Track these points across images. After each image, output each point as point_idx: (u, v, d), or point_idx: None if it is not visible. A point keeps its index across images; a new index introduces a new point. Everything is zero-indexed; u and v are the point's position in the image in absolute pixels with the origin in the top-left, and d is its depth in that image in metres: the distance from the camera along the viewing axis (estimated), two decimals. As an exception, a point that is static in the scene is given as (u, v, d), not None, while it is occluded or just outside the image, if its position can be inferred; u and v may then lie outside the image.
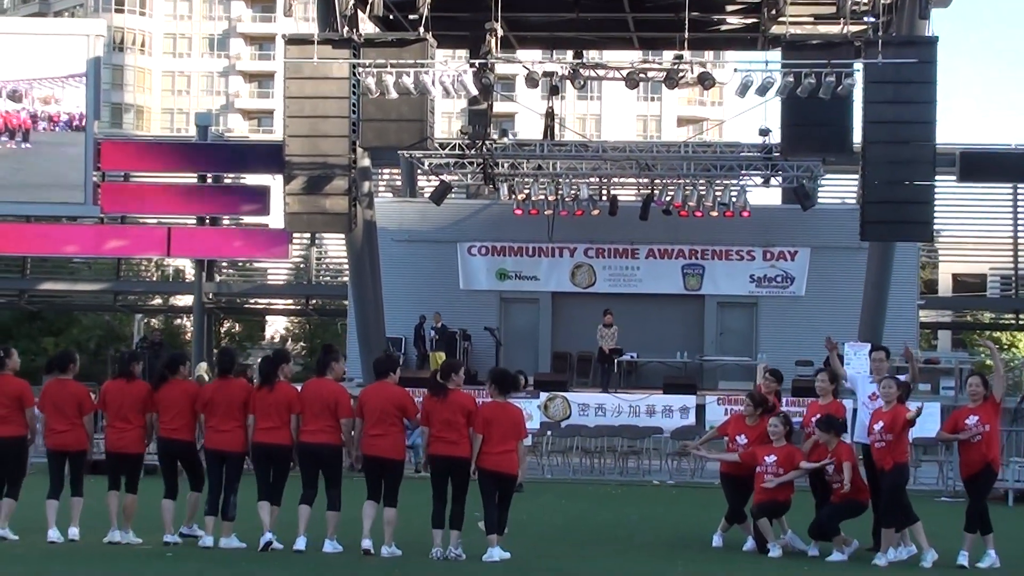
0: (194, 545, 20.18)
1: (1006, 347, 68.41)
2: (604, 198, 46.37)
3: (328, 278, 58.42)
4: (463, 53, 47.69)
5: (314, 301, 60.40)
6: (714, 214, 44.86)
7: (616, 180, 47.73)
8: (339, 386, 20.63)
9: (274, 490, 20.18)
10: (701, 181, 45.46)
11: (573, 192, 45.61)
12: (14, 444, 20.69)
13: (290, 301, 63.22)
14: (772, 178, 47.52)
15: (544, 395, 40.15)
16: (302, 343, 73.67)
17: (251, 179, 52.32)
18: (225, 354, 23.42)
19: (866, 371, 22.59)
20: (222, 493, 20.24)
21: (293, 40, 43.47)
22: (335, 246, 54.66)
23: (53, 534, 20.32)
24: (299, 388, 20.67)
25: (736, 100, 44.59)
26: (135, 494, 20.64)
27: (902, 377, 21.45)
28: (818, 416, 21.09)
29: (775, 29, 42.84)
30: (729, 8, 50.26)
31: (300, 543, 19.72)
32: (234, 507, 20.19)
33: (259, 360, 24.41)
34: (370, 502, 19.77)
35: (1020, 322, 60.13)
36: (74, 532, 20.46)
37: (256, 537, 19.79)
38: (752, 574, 19.79)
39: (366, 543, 19.58)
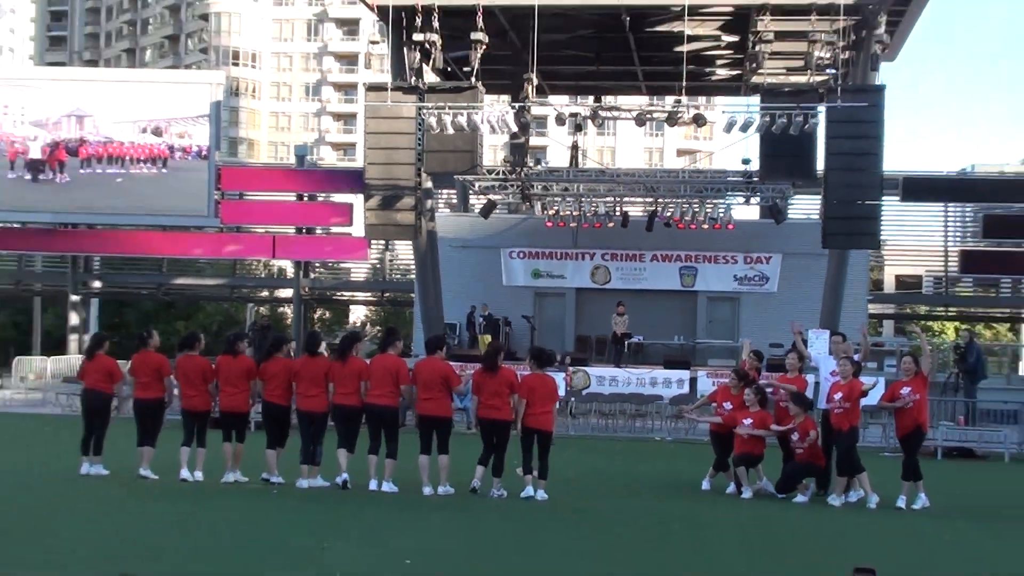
0: (277, 486, 20.42)
1: (937, 334, 68.14)
2: (617, 213, 46.28)
3: (398, 276, 58.36)
4: (506, 98, 47.68)
5: (387, 294, 60.46)
6: (705, 227, 44.74)
7: (627, 199, 47.59)
8: (399, 359, 21.12)
9: (348, 441, 20.60)
10: (695, 200, 45.34)
11: (593, 208, 45.70)
12: (155, 405, 21.71)
13: (368, 294, 63.25)
14: (752, 198, 47.38)
15: (569, 369, 40.24)
16: (378, 327, 73.74)
17: (338, 197, 52.25)
18: (311, 336, 23.60)
19: (827, 353, 22.71)
20: (311, 445, 20.63)
21: (372, 88, 43.61)
22: (404, 250, 54.67)
23: (184, 473, 20.95)
24: (368, 362, 21.16)
25: (723, 135, 44.75)
26: (243, 443, 21.21)
27: (856, 356, 21.70)
28: (795, 392, 21.49)
29: (755, 79, 42.72)
30: (718, 62, 50.37)
31: (372, 484, 20.16)
32: (320, 455, 20.65)
33: (339, 338, 24.65)
34: (424, 456, 20.05)
35: (948, 314, 60.11)
36: (199, 475, 21.00)
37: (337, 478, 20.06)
38: (731, 511, 19.90)
39: (427, 490, 19.84)
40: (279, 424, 21.15)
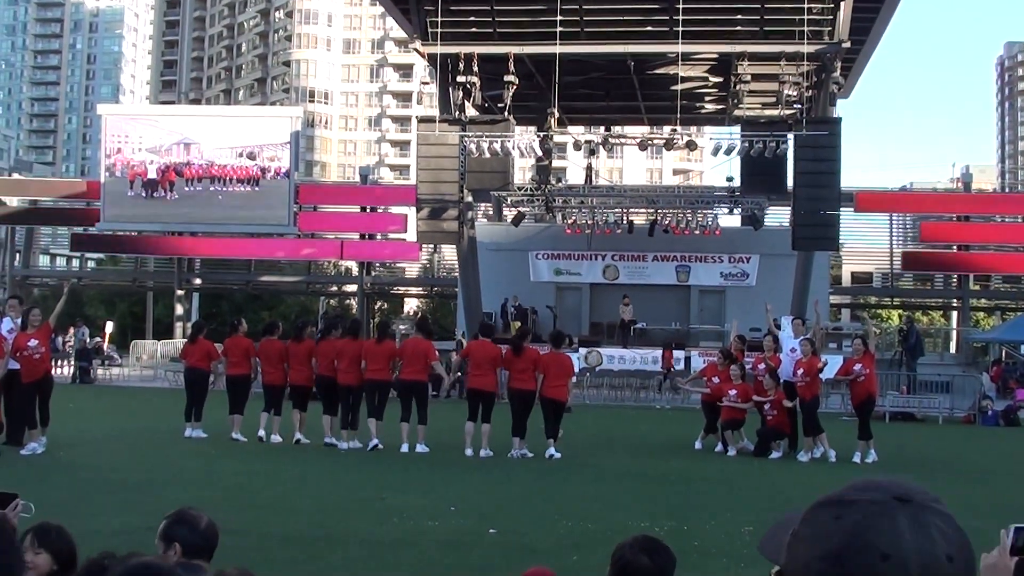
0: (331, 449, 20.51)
1: (884, 320, 68.10)
2: (624, 222, 46.30)
3: (445, 273, 58.37)
4: (533, 128, 47.61)
5: (436, 288, 60.58)
6: (697, 232, 44.66)
7: (632, 210, 47.61)
8: (428, 342, 21.38)
9: (379, 411, 20.82)
10: (688, 211, 45.29)
11: (604, 218, 45.66)
12: (242, 380, 22.19)
13: (420, 288, 63.41)
14: (734, 209, 47.41)
15: (584, 350, 40.22)
16: (428, 316, 73.84)
17: (395, 209, 52.39)
18: (383, 325, 23.92)
19: (790, 334, 22.78)
20: (349, 413, 21.10)
21: (423, 120, 43.88)
22: (449, 253, 54.66)
23: (261, 432, 21.40)
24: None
25: (711, 158, 44.59)
26: (305, 412, 21.51)
27: (808, 333, 22.00)
28: (770, 369, 21.74)
29: (736, 112, 42.62)
30: (706, 98, 50.26)
31: (404, 447, 20.21)
32: (358, 421, 20.90)
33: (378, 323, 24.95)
34: (470, 423, 20.15)
35: (893, 303, 60.26)
36: (276, 438, 21.43)
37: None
38: (720, 466, 19.95)
39: (468, 451, 19.92)
40: (333, 396, 21.44)
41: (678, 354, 40.12)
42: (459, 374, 25.93)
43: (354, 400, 21.01)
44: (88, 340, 44.74)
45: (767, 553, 2.03)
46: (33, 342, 19.06)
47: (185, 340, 28.14)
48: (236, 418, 21.73)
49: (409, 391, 20.81)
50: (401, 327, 24.72)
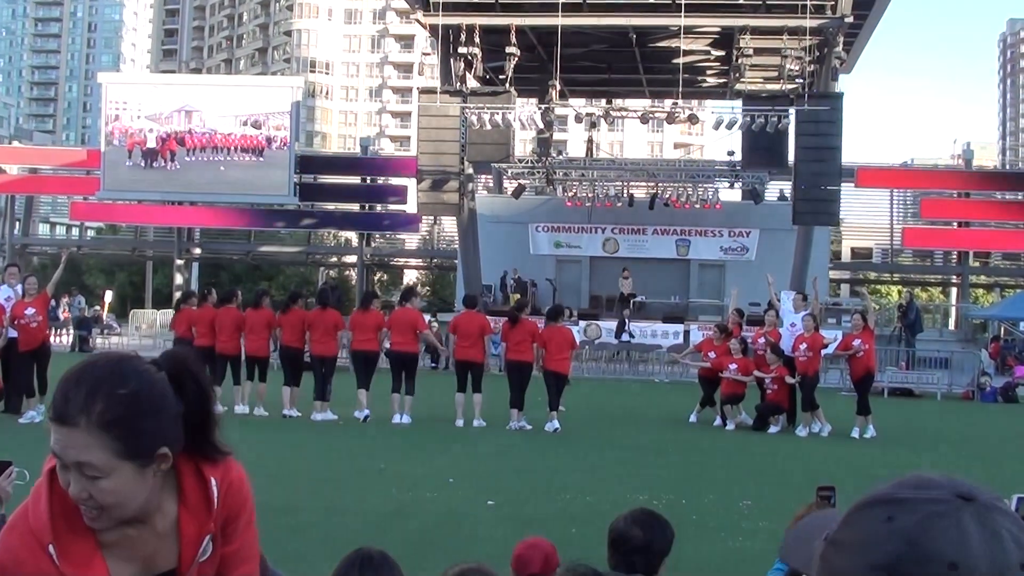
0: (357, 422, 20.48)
1: (884, 295, 68.26)
2: (625, 195, 46.32)
3: (444, 245, 58.32)
4: (534, 100, 47.53)
5: (435, 260, 60.59)
6: (697, 206, 44.71)
7: (632, 184, 47.61)
8: (417, 312, 21.39)
9: (367, 381, 20.73)
10: (688, 185, 45.30)
11: (604, 191, 45.68)
12: (210, 352, 21.12)
13: (420, 260, 63.42)
14: (735, 183, 47.39)
15: (583, 323, 40.21)
16: (427, 288, 73.84)
17: (395, 181, 52.36)
18: (368, 295, 23.63)
19: (791, 308, 22.77)
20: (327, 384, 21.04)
21: (424, 91, 43.76)
22: (449, 224, 54.58)
23: (288, 412, 20.92)
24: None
25: (712, 132, 44.57)
26: (264, 382, 21.47)
27: (808, 308, 21.99)
28: (772, 344, 21.80)
29: (738, 86, 42.66)
30: (708, 72, 50.21)
31: (396, 418, 20.22)
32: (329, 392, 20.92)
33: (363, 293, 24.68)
34: (460, 394, 20.16)
35: (893, 279, 60.39)
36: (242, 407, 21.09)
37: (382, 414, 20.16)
38: (718, 439, 19.99)
39: (459, 422, 19.94)
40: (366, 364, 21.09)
41: (677, 328, 40.14)
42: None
43: (327, 371, 20.88)
44: (86, 309, 44.75)
45: (793, 562, 1.81)
46: (30, 310, 19.05)
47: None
48: (247, 386, 21.49)
49: (399, 362, 20.69)
50: (418, 298, 24.42)
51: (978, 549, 1.46)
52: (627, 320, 38.95)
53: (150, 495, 2.67)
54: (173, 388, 2.67)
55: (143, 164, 50.12)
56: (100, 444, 2.53)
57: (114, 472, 2.56)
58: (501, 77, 41.87)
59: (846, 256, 58.80)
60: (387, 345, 21.21)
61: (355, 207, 54.07)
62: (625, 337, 38.97)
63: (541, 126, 43.89)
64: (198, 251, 58.06)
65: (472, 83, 43.15)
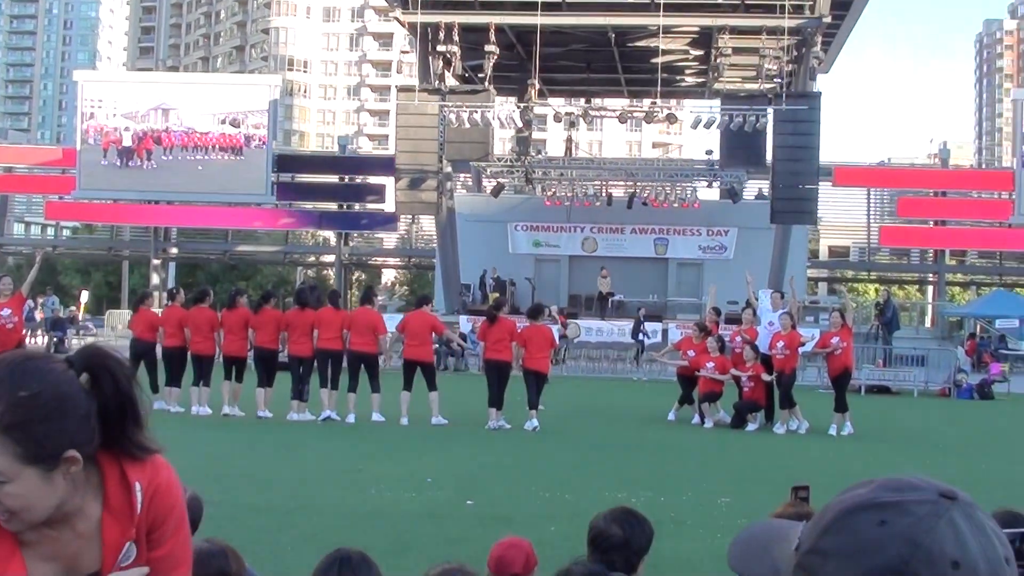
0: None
1: (861, 294, 68.57)
2: (603, 194, 46.43)
3: (423, 244, 58.32)
4: (513, 99, 47.60)
5: (414, 259, 60.56)
6: (675, 205, 44.86)
7: (611, 183, 47.68)
8: (377, 313, 21.29)
9: (333, 381, 20.64)
10: (667, 184, 45.42)
11: (583, 190, 45.80)
12: (178, 352, 21.26)
13: (398, 259, 63.38)
14: (713, 182, 47.58)
15: (562, 319, 40.26)
16: (405, 287, 73.83)
17: (373, 179, 52.33)
18: (333, 294, 23.45)
19: (768, 307, 22.81)
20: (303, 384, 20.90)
21: (403, 89, 43.84)
22: (428, 224, 54.58)
23: (262, 413, 20.71)
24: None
25: (690, 131, 44.75)
26: (240, 383, 21.20)
27: (785, 306, 21.97)
28: (748, 342, 21.83)
29: (716, 85, 42.85)
30: (686, 71, 50.42)
31: (351, 417, 20.16)
32: (308, 392, 20.89)
33: (330, 292, 24.43)
34: (405, 392, 20.06)
35: (870, 277, 60.57)
36: (205, 409, 20.95)
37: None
38: (696, 437, 20.01)
39: (404, 420, 19.79)
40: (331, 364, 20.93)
41: (655, 326, 40.21)
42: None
43: (304, 371, 20.78)
44: (60, 309, 44.59)
45: (748, 571, 1.77)
46: (6, 311, 18.90)
47: (162, 309, 27.77)
48: (172, 390, 21.14)
49: (358, 361, 20.64)
50: (379, 298, 24.35)
51: (974, 547, 1.49)
52: (643, 320, 38.93)
53: (66, 497, 2.57)
54: (90, 385, 2.56)
55: (119, 163, 49.99)
56: (1, 449, 2.45)
57: (19, 477, 2.47)
58: (480, 76, 41.96)
59: (824, 255, 59.06)
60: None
61: (333, 206, 54.05)
62: (641, 337, 38.92)
63: (520, 125, 43.94)
64: (175, 251, 57.90)
65: (451, 81, 43.20)
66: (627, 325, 40.76)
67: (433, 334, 20.99)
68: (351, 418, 20.05)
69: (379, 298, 23.00)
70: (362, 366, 20.60)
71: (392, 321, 24.56)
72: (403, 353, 20.72)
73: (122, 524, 2.70)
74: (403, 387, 20.24)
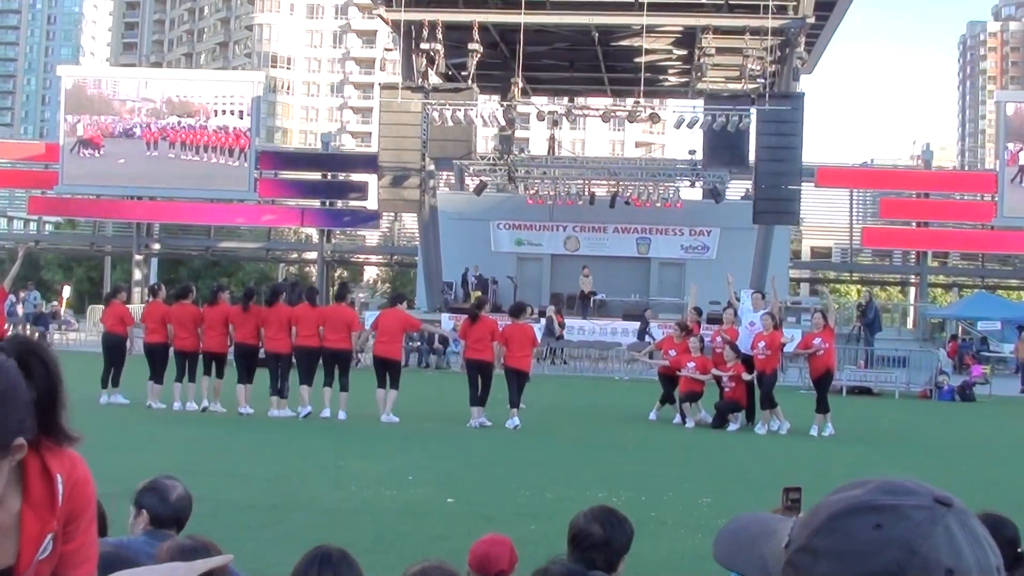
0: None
1: (843, 295, 68.74)
2: (586, 193, 46.42)
3: (405, 242, 58.20)
4: (496, 97, 47.61)
5: (396, 257, 60.44)
6: (658, 205, 44.85)
7: (594, 182, 47.67)
8: (352, 310, 21.45)
9: (309, 376, 20.70)
10: (649, 183, 45.43)
11: (566, 189, 45.75)
12: (160, 347, 21.38)
13: (381, 257, 63.31)
14: (696, 182, 47.63)
15: (544, 320, 40.21)
16: (387, 284, 73.77)
17: (356, 177, 52.25)
18: (311, 290, 23.44)
19: (750, 307, 22.84)
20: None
21: (386, 87, 43.66)
22: (410, 221, 54.52)
23: (242, 410, 20.56)
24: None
25: (673, 131, 44.79)
26: (221, 379, 21.20)
27: (767, 307, 22.03)
28: (729, 342, 21.85)
29: (700, 85, 42.86)
30: (670, 71, 50.46)
31: (325, 411, 20.23)
32: (287, 389, 20.92)
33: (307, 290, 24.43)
34: (380, 390, 20.09)
35: (852, 279, 60.67)
36: (192, 405, 21.06)
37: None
38: (677, 437, 20.02)
39: (384, 418, 19.85)
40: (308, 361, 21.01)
41: (637, 326, 40.23)
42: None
43: (282, 368, 20.81)
44: (44, 304, 44.40)
45: (735, 566, 1.74)
46: (-12, 305, 18.90)
47: (144, 305, 27.66)
48: (154, 386, 21.19)
49: (332, 358, 20.67)
50: (360, 295, 24.46)
51: (969, 554, 1.48)
52: (648, 322, 38.88)
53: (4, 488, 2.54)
54: (23, 374, 2.54)
55: (99, 156, 49.78)
56: None
57: None
58: (463, 74, 41.90)
59: (806, 255, 59.17)
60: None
61: (316, 203, 53.93)
62: (647, 339, 38.85)
63: (503, 123, 43.92)
64: (157, 246, 57.72)
65: (434, 79, 43.17)
66: (608, 324, 40.78)
67: (414, 332, 21.09)
68: (326, 412, 20.12)
69: (352, 295, 22.95)
70: (336, 362, 20.67)
71: (372, 319, 24.61)
72: (373, 350, 20.75)
73: (42, 517, 2.67)
74: (377, 385, 20.33)
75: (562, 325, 38.87)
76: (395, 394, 20.14)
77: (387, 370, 20.38)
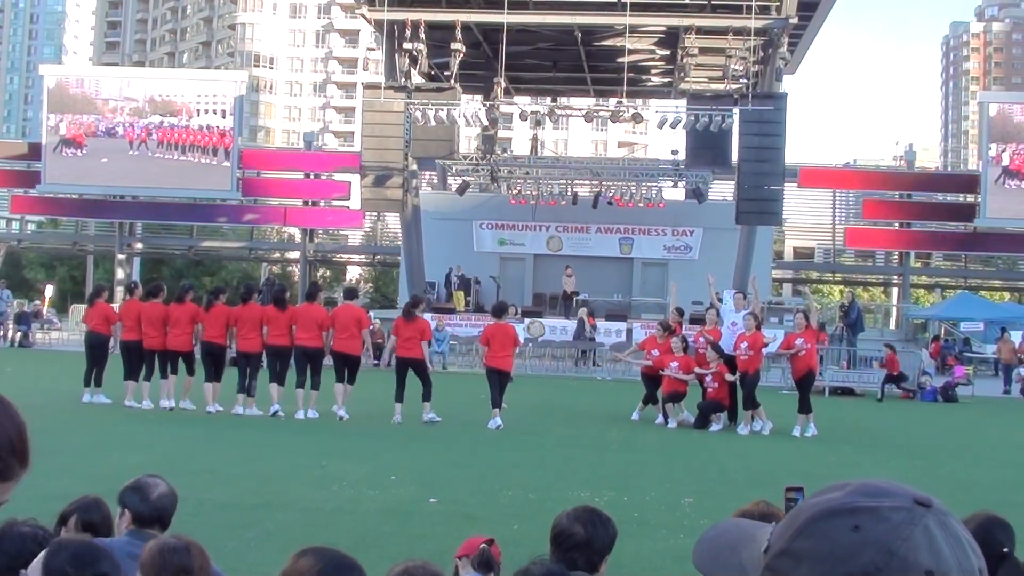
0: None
1: (826, 295, 68.88)
2: (569, 193, 46.43)
3: (388, 242, 58.16)
4: (479, 97, 47.57)
5: (378, 257, 60.39)
6: (640, 205, 44.88)
7: (576, 182, 47.72)
8: (323, 309, 21.34)
9: (280, 376, 20.81)
10: (632, 183, 45.50)
11: (548, 189, 45.76)
12: (135, 346, 21.25)
13: (363, 256, 63.25)
14: (679, 182, 47.73)
15: (527, 320, 40.23)
16: (370, 284, 73.69)
17: (338, 176, 52.15)
18: (280, 290, 23.40)
19: (732, 307, 22.87)
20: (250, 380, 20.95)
21: (368, 87, 43.59)
22: (393, 221, 54.44)
23: (211, 408, 20.49)
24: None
25: (656, 131, 44.85)
26: (192, 376, 21.33)
27: (748, 307, 22.04)
28: (712, 342, 21.91)
29: (683, 85, 42.93)
30: (653, 71, 50.52)
31: (300, 413, 20.30)
32: (255, 387, 21.03)
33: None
34: (339, 384, 20.13)
35: (835, 279, 60.80)
36: (165, 402, 21.00)
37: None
38: (660, 437, 20.04)
39: (340, 411, 20.02)
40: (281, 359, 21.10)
41: (620, 326, 40.24)
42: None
43: (251, 367, 20.83)
44: (25, 303, 44.18)
45: (714, 572, 1.74)
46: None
47: (120, 304, 27.60)
48: (129, 384, 21.20)
49: (305, 357, 20.72)
50: (323, 293, 24.36)
51: (949, 556, 1.48)
52: (585, 321, 38.93)
53: None
54: None
55: (82, 154, 49.66)
56: None
57: None
58: (446, 73, 41.89)
59: (788, 256, 59.22)
60: (332, 343, 21.13)
61: (298, 203, 53.83)
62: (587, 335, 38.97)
63: (486, 123, 43.87)
64: (140, 246, 57.58)
65: (417, 79, 43.15)
66: (601, 325, 40.78)
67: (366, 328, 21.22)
68: (300, 414, 20.18)
69: (324, 293, 23.03)
70: (308, 360, 20.73)
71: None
72: (332, 346, 20.75)
73: None
74: (336, 379, 20.44)
75: (594, 327, 38.82)
76: (350, 388, 20.43)
77: (346, 366, 20.53)
